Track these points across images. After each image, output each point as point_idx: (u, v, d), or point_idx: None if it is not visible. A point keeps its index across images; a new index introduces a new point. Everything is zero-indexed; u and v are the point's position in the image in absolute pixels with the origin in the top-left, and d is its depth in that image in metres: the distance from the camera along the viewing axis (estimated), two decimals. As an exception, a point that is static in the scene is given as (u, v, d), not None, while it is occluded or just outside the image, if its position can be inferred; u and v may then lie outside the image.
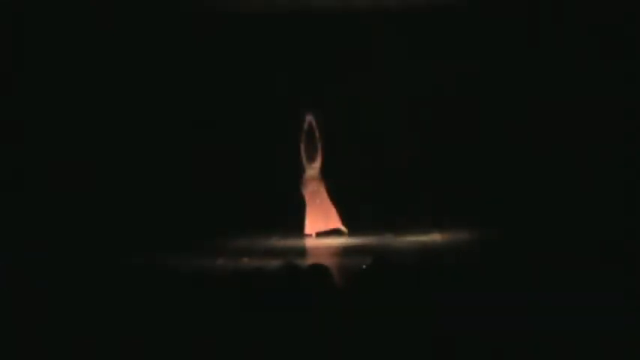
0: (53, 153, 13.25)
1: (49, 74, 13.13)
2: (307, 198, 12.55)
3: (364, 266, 4.84)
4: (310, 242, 12.25)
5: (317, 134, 12.67)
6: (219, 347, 4.36)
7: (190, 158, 13.87)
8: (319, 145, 12.65)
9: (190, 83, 13.97)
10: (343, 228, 12.50)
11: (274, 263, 7.98)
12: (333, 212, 12.50)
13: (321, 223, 12.50)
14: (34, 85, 13.11)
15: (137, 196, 13.60)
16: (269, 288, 4.69)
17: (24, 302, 5.07)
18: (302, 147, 12.68)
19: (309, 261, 9.12)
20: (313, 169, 12.62)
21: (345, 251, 11.40)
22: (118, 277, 6.42)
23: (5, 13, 12.78)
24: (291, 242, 12.15)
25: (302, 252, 11.43)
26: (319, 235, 12.47)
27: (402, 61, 13.80)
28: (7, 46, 12.93)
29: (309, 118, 12.73)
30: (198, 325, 4.50)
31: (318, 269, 4.81)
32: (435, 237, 12.10)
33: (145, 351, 4.41)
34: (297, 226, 12.58)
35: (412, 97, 13.72)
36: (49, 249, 10.93)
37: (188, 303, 4.73)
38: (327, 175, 12.74)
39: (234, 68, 13.96)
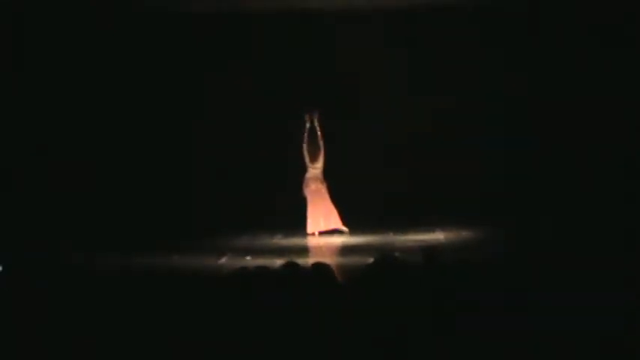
0: (54, 152, 13.31)
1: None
2: (309, 197, 12.63)
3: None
4: (313, 241, 12.35)
5: (320, 134, 12.70)
6: (220, 347, 4.37)
7: (197, 157, 13.95)
8: (322, 145, 12.69)
9: (196, 84, 14.03)
10: (343, 228, 12.56)
11: (277, 262, 8.02)
12: (333, 212, 12.57)
13: (322, 223, 12.58)
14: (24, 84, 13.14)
15: (140, 195, 13.67)
16: (271, 287, 4.71)
17: (24, 302, 5.06)
18: (304, 147, 12.73)
19: (312, 260, 9.13)
20: (316, 169, 12.68)
21: (348, 250, 11.44)
22: (121, 277, 6.43)
23: (5, 13, 12.79)
24: (294, 241, 12.26)
25: (304, 250, 11.50)
26: (322, 234, 12.56)
27: (402, 60, 13.83)
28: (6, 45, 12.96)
29: (312, 117, 12.76)
30: (200, 324, 4.51)
31: (320, 268, 4.85)
32: (438, 236, 12.18)
33: (147, 351, 4.43)
34: (300, 225, 12.67)
35: (412, 98, 13.77)
36: (49, 249, 10.97)
37: (190, 302, 4.73)
38: (328, 175, 12.83)
39: (237, 68, 13.98)
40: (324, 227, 12.55)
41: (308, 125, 12.73)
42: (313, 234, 12.52)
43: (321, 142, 12.67)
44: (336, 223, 12.55)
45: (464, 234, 12.25)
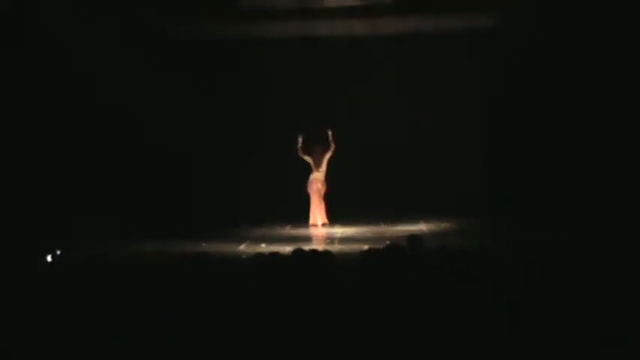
0: (58, 151, 13.37)
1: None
2: (311, 195, 14.01)
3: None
4: (315, 231, 13.37)
5: (332, 146, 13.81)
6: (233, 329, 4.44)
7: (223, 162, 14.83)
8: (329, 155, 13.80)
9: (213, 85, 14.87)
10: (327, 222, 13.82)
11: (287, 248, 8.49)
12: (323, 210, 13.88)
13: (317, 217, 13.92)
14: None
15: (175, 192, 14.50)
16: (283, 270, 4.93)
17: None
18: (305, 158, 14.01)
19: (315, 246, 8.88)
20: (319, 173, 14.00)
21: (347, 239, 12.05)
22: (158, 260, 6.32)
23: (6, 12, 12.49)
24: (300, 231, 13.25)
25: (309, 239, 12.34)
26: (323, 225, 13.72)
27: (398, 67, 14.83)
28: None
29: (303, 136, 13.89)
30: (219, 307, 4.62)
31: (322, 254, 5.14)
32: (421, 227, 13.00)
33: (153, 344, 4.42)
34: (305, 218, 13.81)
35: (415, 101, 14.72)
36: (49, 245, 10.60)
37: (214, 284, 4.85)
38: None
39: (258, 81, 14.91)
40: (318, 221, 13.83)
41: (300, 140, 13.88)
42: (315, 225, 13.73)
43: (329, 153, 13.81)
44: (323, 219, 13.85)
45: (445, 224, 12.97)
